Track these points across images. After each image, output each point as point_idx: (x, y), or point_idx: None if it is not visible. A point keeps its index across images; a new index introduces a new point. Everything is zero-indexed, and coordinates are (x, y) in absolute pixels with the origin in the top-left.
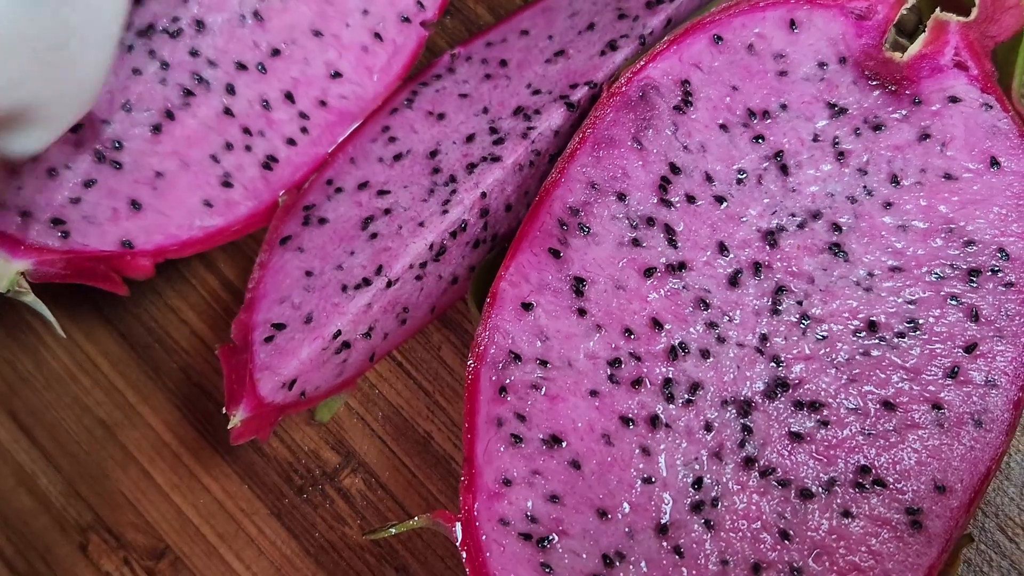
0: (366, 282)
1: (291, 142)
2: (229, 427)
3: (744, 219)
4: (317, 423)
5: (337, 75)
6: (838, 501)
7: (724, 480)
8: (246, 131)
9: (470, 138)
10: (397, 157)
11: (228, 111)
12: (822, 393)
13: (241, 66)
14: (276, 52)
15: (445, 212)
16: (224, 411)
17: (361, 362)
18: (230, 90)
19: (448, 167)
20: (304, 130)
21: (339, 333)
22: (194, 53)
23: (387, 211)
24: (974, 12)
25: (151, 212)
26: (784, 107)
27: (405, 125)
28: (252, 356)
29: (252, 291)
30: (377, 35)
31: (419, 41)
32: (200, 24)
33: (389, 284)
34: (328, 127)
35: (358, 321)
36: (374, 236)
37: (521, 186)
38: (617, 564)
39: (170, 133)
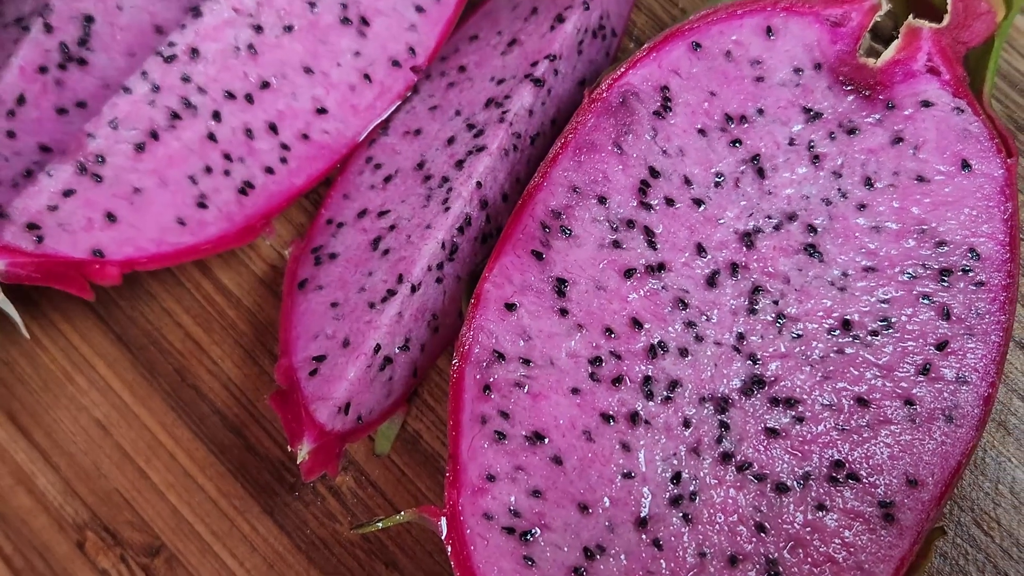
0: (391, 293)
1: (269, 171)
2: (298, 462)
3: (721, 221)
4: (379, 456)
5: (322, 111)
6: (813, 495)
7: (702, 475)
8: (227, 157)
9: (451, 140)
10: (387, 179)
11: (212, 136)
12: (797, 390)
13: (230, 95)
14: (265, 84)
15: (447, 209)
16: (289, 449)
17: (406, 379)
18: (216, 117)
19: (438, 171)
20: (283, 160)
21: (379, 347)
22: (186, 79)
23: (392, 227)
24: (946, 18)
25: (125, 225)
26: (761, 112)
27: (386, 150)
28: (301, 392)
29: (284, 338)
30: (366, 76)
31: (406, 85)
32: (195, 52)
33: (413, 289)
34: (307, 160)
35: (393, 333)
36: (386, 252)
37: (511, 173)
38: (598, 557)
39: (153, 152)
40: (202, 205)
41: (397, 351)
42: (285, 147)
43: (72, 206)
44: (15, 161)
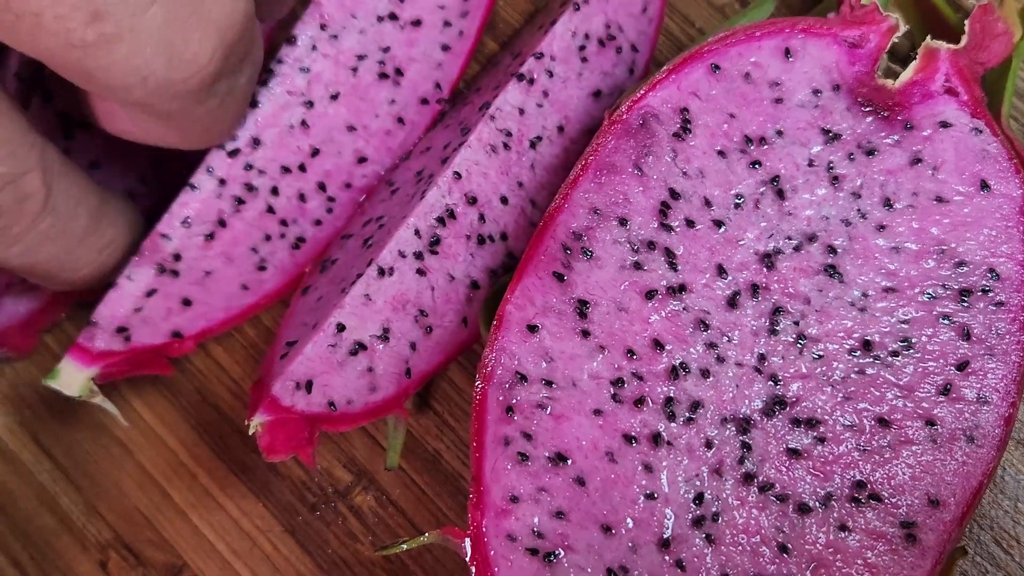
0: (359, 276)
1: (318, 223)
2: (250, 433)
3: (742, 242)
4: (390, 470)
5: (363, 160)
6: (835, 515)
7: (724, 496)
8: (283, 223)
9: (446, 145)
10: (393, 192)
11: (271, 209)
12: (819, 410)
13: (286, 169)
14: (316, 152)
15: (422, 198)
16: (246, 422)
17: (395, 377)
18: (274, 192)
19: (428, 172)
20: (329, 210)
21: (343, 327)
22: (248, 167)
23: (381, 226)
24: (964, 39)
25: (199, 305)
26: (780, 133)
27: (403, 171)
28: (270, 374)
29: (277, 334)
30: (400, 119)
31: (432, 116)
32: (256, 141)
33: (381, 272)
34: (349, 203)
35: (362, 316)
36: (370, 247)
37: (508, 174)
38: None
39: (221, 238)
40: (262, 268)
41: (372, 338)
42: (331, 199)
43: (154, 303)
44: None
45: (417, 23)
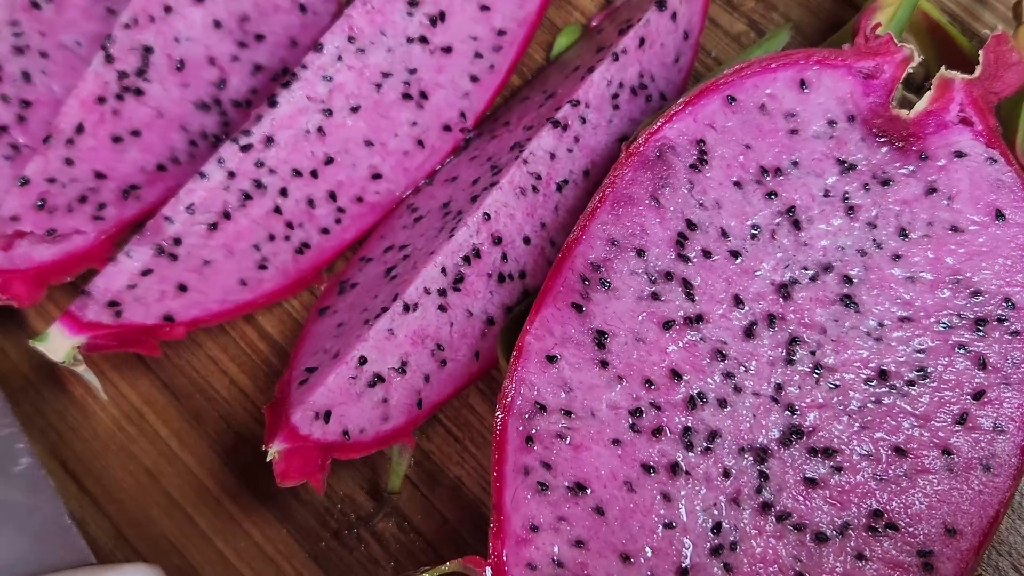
0: (384, 310)
1: (325, 231)
2: (268, 459)
3: (758, 273)
4: (391, 493)
5: (377, 176)
6: (852, 544)
7: (742, 525)
8: (288, 225)
9: (475, 181)
10: (417, 220)
11: (277, 209)
12: (835, 440)
13: (297, 172)
14: (330, 160)
15: (451, 236)
16: (264, 448)
17: (407, 407)
18: (283, 193)
19: (456, 207)
20: (338, 221)
21: (364, 360)
22: (259, 164)
23: (405, 257)
24: (978, 69)
25: (194, 292)
26: (795, 164)
27: (426, 196)
28: (288, 400)
29: (293, 354)
30: (420, 142)
31: (454, 144)
32: (270, 140)
33: (406, 308)
34: (359, 217)
35: (383, 350)
36: (394, 278)
37: (533, 215)
38: None
39: (224, 230)
40: (263, 267)
41: (390, 371)
42: (341, 210)
43: (149, 283)
44: (71, 187)
45: (447, 50)
